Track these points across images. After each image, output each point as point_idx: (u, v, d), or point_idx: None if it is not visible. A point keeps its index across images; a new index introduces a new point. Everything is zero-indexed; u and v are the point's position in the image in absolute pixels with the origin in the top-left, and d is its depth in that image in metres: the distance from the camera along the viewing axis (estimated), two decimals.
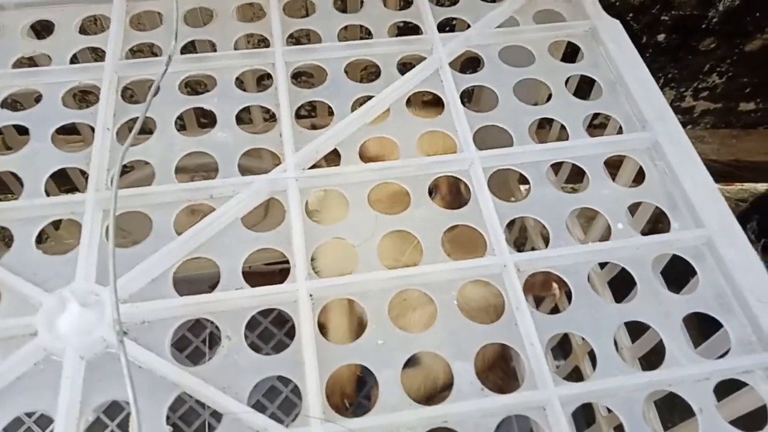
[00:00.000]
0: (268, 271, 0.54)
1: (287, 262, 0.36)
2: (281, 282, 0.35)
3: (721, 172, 0.89)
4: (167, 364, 0.32)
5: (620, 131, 0.43)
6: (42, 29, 0.49)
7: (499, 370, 0.56)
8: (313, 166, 0.40)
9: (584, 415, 0.55)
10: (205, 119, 0.44)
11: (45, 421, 0.50)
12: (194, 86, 0.45)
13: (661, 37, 0.77)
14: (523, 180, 0.41)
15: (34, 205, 0.38)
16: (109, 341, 0.32)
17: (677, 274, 0.39)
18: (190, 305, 0.34)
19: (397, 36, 0.48)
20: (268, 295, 0.35)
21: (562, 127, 0.43)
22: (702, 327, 0.37)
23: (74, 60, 0.46)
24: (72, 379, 0.31)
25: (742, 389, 0.34)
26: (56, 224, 0.39)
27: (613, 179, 0.40)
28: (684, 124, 0.92)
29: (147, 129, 0.42)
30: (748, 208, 0.88)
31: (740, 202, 0.98)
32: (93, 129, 0.42)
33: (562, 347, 0.59)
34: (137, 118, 0.42)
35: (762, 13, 0.74)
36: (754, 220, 0.82)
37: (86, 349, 0.32)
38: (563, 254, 0.36)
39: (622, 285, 0.40)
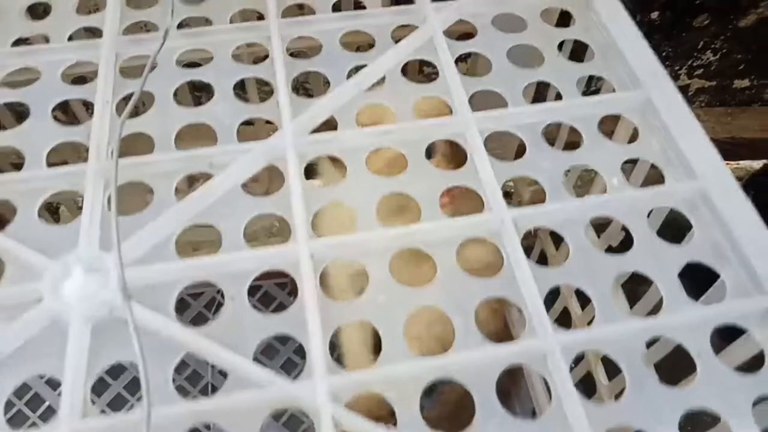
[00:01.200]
0: None
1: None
2: None
3: (719, 150, 0.89)
4: (172, 324, 0.32)
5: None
6: (39, 11, 0.49)
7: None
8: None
9: (585, 387, 0.56)
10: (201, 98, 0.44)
11: (54, 385, 0.51)
12: (192, 66, 0.46)
13: (654, 14, 0.78)
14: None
15: (35, 176, 0.38)
16: (114, 304, 0.33)
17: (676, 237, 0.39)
18: (193, 267, 0.35)
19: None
20: (270, 257, 0.35)
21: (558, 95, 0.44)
22: (701, 285, 0.37)
23: (71, 39, 0.47)
24: (78, 342, 0.32)
25: (739, 338, 0.34)
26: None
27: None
28: None
29: (144, 105, 0.43)
30: (744, 185, 0.89)
31: (737, 180, 0.98)
32: (91, 106, 0.42)
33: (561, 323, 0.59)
34: (135, 93, 0.42)
35: None
36: (749, 196, 0.83)
37: (91, 313, 0.33)
38: (560, 209, 0.36)
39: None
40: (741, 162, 0.94)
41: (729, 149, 0.92)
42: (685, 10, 0.78)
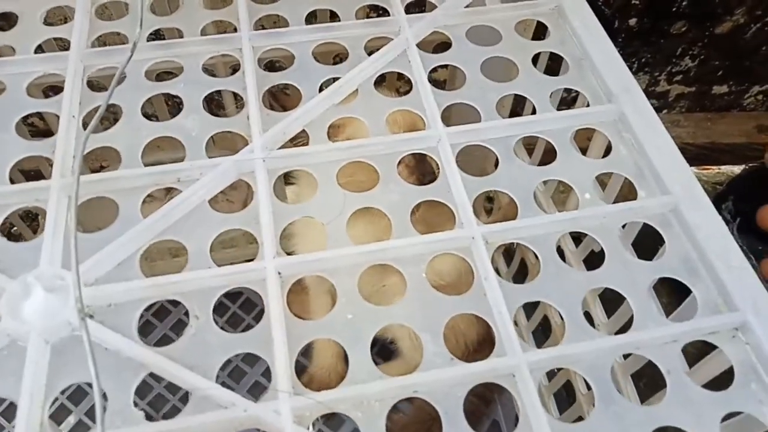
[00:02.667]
0: None
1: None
2: None
3: (697, 155, 0.90)
4: (134, 345, 0.32)
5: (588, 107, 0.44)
6: (5, 21, 0.48)
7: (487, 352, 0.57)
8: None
9: (566, 395, 0.55)
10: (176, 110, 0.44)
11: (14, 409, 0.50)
12: (164, 77, 0.45)
13: (632, 21, 0.78)
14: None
15: None
16: (75, 324, 0.32)
17: (647, 250, 0.39)
18: (156, 286, 0.34)
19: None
20: (237, 274, 0.34)
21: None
22: (675, 298, 0.37)
23: (39, 51, 0.46)
24: (36, 363, 0.31)
25: (710, 353, 0.34)
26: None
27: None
28: (659, 109, 0.94)
29: (114, 118, 0.42)
30: (724, 190, 0.89)
31: (717, 185, 0.99)
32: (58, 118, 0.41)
33: (545, 333, 0.59)
34: (101, 106, 0.42)
35: None
36: (729, 200, 0.83)
37: (51, 333, 0.32)
38: (531, 224, 0.36)
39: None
40: (722, 167, 0.95)
41: (709, 154, 0.92)
42: (663, 17, 0.78)
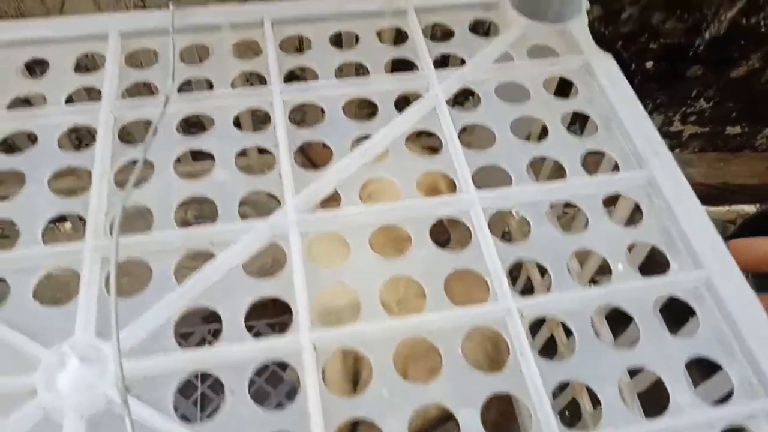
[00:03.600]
0: None
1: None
2: None
3: (710, 195, 0.90)
4: (172, 423, 0.31)
5: (615, 167, 0.44)
6: (36, 67, 0.48)
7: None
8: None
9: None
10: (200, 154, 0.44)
11: None
12: (188, 126, 0.45)
13: (649, 64, 0.78)
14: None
15: (31, 254, 0.37)
16: (111, 398, 0.32)
17: (673, 309, 0.39)
18: (192, 359, 0.34)
19: (392, 70, 0.49)
20: (271, 347, 0.34)
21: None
22: (703, 370, 0.37)
23: (69, 99, 0.46)
24: None
25: None
26: None
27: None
28: (672, 148, 0.94)
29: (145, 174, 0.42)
30: (736, 231, 0.90)
31: (728, 223, 0.99)
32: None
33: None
34: (135, 161, 0.42)
35: (746, 41, 0.76)
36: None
37: (87, 407, 0.32)
38: (566, 299, 0.36)
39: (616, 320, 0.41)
40: (733, 206, 0.95)
41: (721, 194, 0.93)
42: (679, 61, 0.79)
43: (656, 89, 0.83)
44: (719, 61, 0.79)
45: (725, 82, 0.83)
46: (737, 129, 0.92)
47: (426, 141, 0.49)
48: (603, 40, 0.55)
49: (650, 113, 0.87)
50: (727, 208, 0.95)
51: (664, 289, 0.37)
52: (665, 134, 0.91)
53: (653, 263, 0.41)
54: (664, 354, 0.35)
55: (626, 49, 0.76)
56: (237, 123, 0.45)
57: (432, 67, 0.48)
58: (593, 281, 0.41)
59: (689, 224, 0.39)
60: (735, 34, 0.75)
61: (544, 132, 0.46)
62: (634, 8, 0.70)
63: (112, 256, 0.35)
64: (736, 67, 0.80)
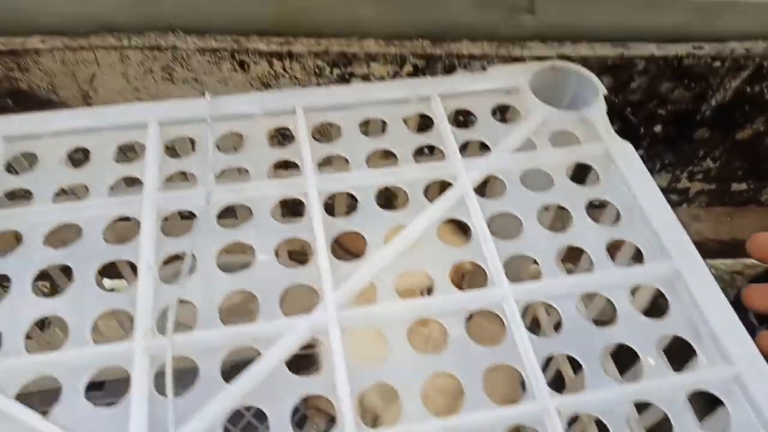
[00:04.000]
0: None
1: None
2: None
3: (719, 250, 0.92)
4: None
5: (636, 253, 0.46)
6: (77, 157, 0.50)
7: None
8: None
9: None
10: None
11: None
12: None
13: (657, 128, 0.81)
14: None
15: (80, 354, 0.38)
16: None
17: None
18: None
19: (414, 156, 0.51)
20: None
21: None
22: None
23: (112, 190, 0.47)
24: None
25: None
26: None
27: None
28: (679, 203, 0.96)
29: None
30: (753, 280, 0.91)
31: (735, 273, 1.01)
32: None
33: None
34: (177, 253, 0.43)
35: (750, 107, 0.79)
36: None
37: None
38: (602, 397, 0.37)
39: None
40: (741, 259, 0.97)
41: (730, 249, 0.94)
42: (687, 125, 0.81)
43: (664, 150, 0.85)
44: (725, 125, 0.82)
45: (731, 144, 0.85)
46: (743, 186, 0.94)
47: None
48: (613, 108, 0.57)
49: (658, 172, 0.90)
50: (734, 261, 0.97)
51: (695, 385, 0.38)
52: (673, 191, 0.93)
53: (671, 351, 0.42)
54: None
55: (635, 114, 0.79)
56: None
57: (458, 154, 0.50)
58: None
59: (716, 319, 0.40)
60: (740, 100, 0.78)
61: (567, 218, 0.47)
62: (643, 78, 0.73)
63: (167, 356, 0.36)
64: (741, 129, 0.83)
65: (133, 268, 0.43)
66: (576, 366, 0.41)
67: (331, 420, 0.76)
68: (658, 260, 0.44)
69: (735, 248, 0.93)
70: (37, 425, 0.35)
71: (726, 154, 0.87)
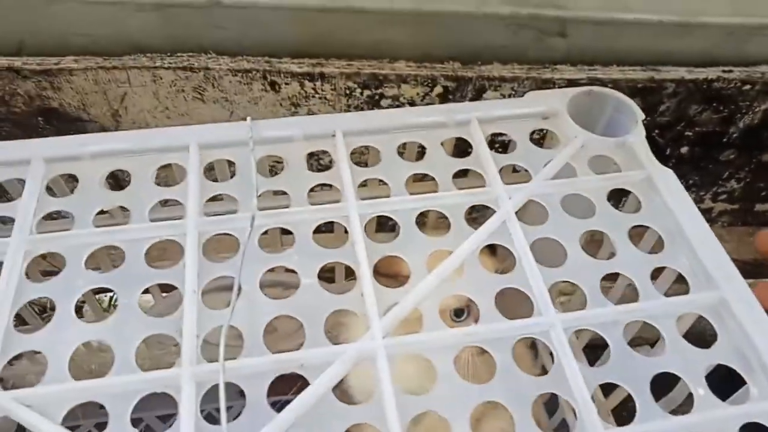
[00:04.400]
0: None
1: None
2: None
3: (742, 270, 0.91)
4: None
5: (677, 280, 0.46)
6: (117, 179, 0.50)
7: None
8: None
9: None
10: None
11: None
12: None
13: (684, 149, 0.81)
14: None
15: (127, 381, 0.38)
16: None
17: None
18: None
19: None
20: None
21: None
22: None
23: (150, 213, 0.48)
24: None
25: None
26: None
27: None
28: None
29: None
30: None
31: None
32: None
33: None
34: (220, 278, 0.43)
35: None
36: None
37: None
38: (654, 428, 0.37)
39: None
40: (765, 280, 0.96)
41: (752, 269, 0.94)
42: (713, 147, 0.81)
43: (689, 171, 0.85)
44: (752, 147, 0.82)
45: (757, 165, 0.85)
46: (766, 206, 0.94)
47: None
48: None
49: None
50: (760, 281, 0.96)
51: (748, 417, 0.38)
52: None
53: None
54: None
55: (662, 136, 0.79)
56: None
57: (499, 180, 0.49)
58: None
59: (765, 348, 0.40)
60: None
61: (608, 244, 0.47)
62: (672, 101, 0.73)
63: (220, 382, 0.35)
64: (767, 151, 0.83)
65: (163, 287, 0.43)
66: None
67: None
68: (703, 289, 0.44)
69: (757, 268, 0.92)
70: None
71: (751, 175, 0.86)
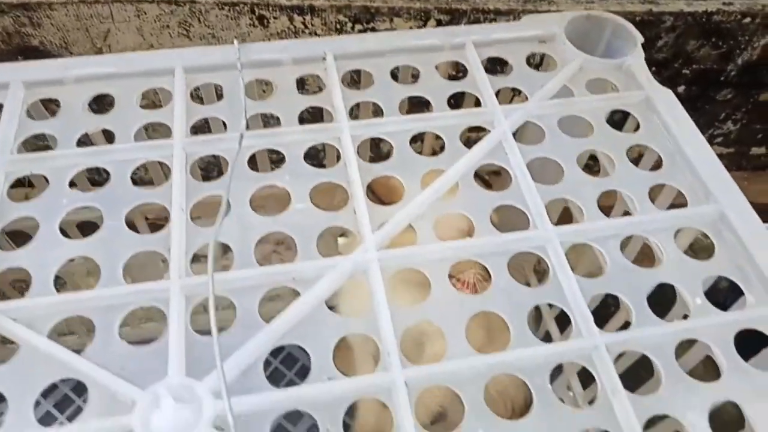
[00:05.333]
0: None
1: None
2: None
3: None
4: None
5: (677, 197, 0.45)
6: (101, 103, 0.49)
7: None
8: None
9: None
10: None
11: None
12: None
13: (681, 88, 0.80)
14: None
15: (114, 293, 0.37)
16: None
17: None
18: (286, 398, 0.34)
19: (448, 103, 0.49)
20: (362, 385, 0.34)
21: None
22: None
23: (137, 136, 0.46)
24: None
25: None
26: None
27: None
28: None
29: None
30: None
31: None
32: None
33: None
34: (208, 196, 0.42)
35: None
36: None
37: None
38: (649, 335, 0.36)
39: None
40: None
41: None
42: (711, 85, 0.80)
43: (686, 111, 0.84)
44: (750, 84, 0.80)
45: (753, 105, 0.84)
46: (762, 149, 0.93)
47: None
48: None
49: None
50: None
51: (744, 323, 0.38)
52: None
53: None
54: (750, 388, 0.35)
55: (659, 74, 0.77)
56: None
57: (496, 102, 0.48)
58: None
59: (763, 259, 0.39)
60: (767, 58, 0.76)
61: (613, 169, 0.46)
62: (670, 36, 0.72)
63: (196, 290, 0.35)
64: (766, 90, 0.82)
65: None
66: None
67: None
68: (703, 204, 0.43)
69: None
70: (72, 362, 0.34)
71: (748, 116, 0.85)
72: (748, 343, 0.38)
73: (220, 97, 0.49)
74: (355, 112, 0.49)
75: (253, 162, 0.45)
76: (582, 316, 0.37)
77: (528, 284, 0.39)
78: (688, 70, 0.77)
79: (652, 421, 0.34)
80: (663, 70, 0.77)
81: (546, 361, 0.36)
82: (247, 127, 0.46)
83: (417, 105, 0.50)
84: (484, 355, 0.35)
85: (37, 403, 0.33)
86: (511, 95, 0.53)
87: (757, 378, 0.35)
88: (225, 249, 0.40)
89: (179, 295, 0.37)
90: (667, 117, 0.47)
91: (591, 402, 0.35)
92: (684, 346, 0.39)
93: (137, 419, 0.32)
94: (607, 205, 0.48)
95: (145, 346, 0.36)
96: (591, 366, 0.36)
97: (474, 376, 0.35)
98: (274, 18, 0.67)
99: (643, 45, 0.52)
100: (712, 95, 0.82)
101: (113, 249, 0.39)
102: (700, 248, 0.43)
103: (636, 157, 0.47)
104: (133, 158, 0.44)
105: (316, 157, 0.48)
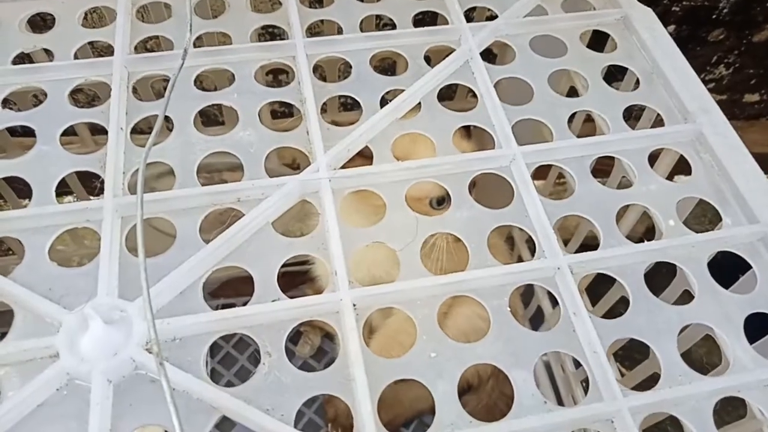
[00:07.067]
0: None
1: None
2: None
3: None
4: (204, 385, 0.29)
5: (657, 122, 0.42)
6: (41, 23, 0.45)
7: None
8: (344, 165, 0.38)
9: None
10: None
11: None
12: (205, 85, 0.43)
13: (671, 28, 0.76)
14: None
15: (45, 213, 0.35)
16: (139, 361, 0.30)
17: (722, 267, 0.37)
18: (224, 319, 0.32)
19: (416, 26, 0.46)
20: (308, 307, 0.32)
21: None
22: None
23: (77, 56, 0.43)
24: (101, 404, 0.29)
25: None
26: None
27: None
28: None
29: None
30: None
31: None
32: (100, 129, 0.39)
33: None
34: (150, 116, 0.39)
35: None
36: None
37: (113, 372, 0.30)
38: (617, 254, 0.34)
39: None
40: None
41: None
42: (702, 25, 0.76)
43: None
44: (742, 24, 0.77)
45: (747, 47, 0.80)
46: (755, 97, 0.90)
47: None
48: None
49: None
50: None
51: (718, 245, 0.35)
52: None
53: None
54: (722, 311, 0.33)
55: None
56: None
57: (463, 20, 0.45)
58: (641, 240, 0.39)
59: (742, 179, 0.37)
60: None
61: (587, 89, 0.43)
62: None
63: (138, 212, 0.32)
64: (759, 30, 0.78)
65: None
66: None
67: (326, 335, 0.73)
68: (679, 124, 0.40)
69: None
70: None
71: (740, 59, 0.82)
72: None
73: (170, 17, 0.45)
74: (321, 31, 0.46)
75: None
76: (546, 237, 0.35)
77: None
78: (679, 8, 0.74)
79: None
80: (652, 7, 0.73)
81: (503, 282, 0.33)
82: (195, 46, 0.42)
83: (383, 28, 0.47)
84: (438, 277, 0.33)
85: None
86: (485, 16, 0.49)
87: (729, 302, 0.33)
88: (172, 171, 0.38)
89: (112, 213, 0.34)
90: (645, 35, 0.44)
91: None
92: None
93: (63, 340, 0.30)
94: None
95: (76, 268, 0.33)
96: (553, 287, 0.33)
97: (427, 297, 0.33)
98: None
99: None
100: (703, 36, 0.79)
101: (46, 168, 0.37)
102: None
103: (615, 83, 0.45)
104: (72, 77, 0.41)
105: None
